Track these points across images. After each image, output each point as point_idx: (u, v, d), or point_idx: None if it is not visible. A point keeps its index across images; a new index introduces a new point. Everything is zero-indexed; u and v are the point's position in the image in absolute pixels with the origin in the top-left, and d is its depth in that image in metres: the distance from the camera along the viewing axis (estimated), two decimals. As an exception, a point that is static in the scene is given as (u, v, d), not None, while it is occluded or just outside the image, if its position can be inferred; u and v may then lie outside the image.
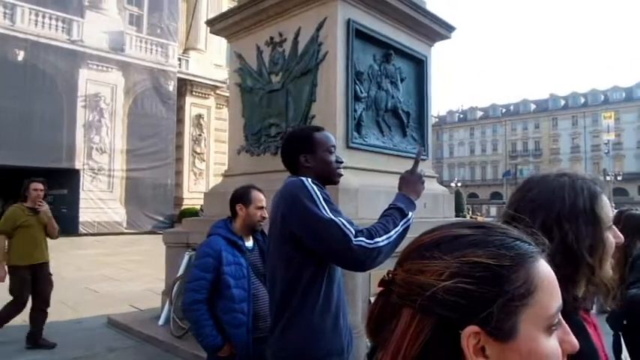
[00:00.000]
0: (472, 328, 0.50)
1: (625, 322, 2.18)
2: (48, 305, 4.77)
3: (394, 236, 1.60)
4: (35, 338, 4.63)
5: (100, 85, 19.12)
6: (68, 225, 17.54)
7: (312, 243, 1.60)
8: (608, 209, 1.00)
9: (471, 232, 0.55)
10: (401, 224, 1.64)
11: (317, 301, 1.64)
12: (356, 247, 1.52)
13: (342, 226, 1.55)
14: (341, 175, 1.90)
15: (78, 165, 18.36)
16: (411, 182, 1.79)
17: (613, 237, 1.01)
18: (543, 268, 0.55)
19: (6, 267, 4.57)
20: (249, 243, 2.65)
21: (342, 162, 1.90)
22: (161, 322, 5.14)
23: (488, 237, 0.55)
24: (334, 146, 1.88)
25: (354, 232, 1.54)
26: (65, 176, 18.25)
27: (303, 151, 1.82)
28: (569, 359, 0.57)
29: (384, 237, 1.57)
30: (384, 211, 1.72)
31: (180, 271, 4.99)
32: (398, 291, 0.54)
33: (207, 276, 2.43)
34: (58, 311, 5.99)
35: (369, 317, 0.59)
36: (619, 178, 41.15)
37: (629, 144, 55.08)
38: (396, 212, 1.67)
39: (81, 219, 17.94)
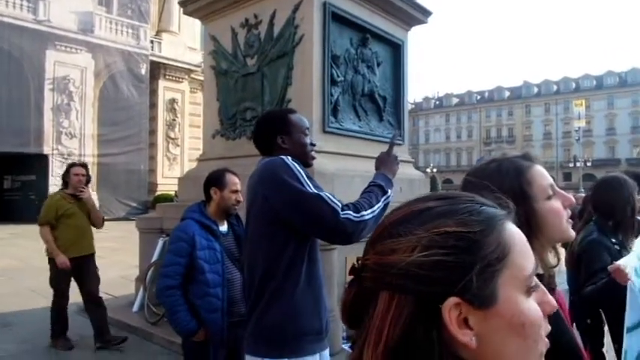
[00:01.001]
0: (452, 300, 0.48)
1: (589, 322, 2.22)
2: (98, 300, 4.35)
3: (377, 210, 1.64)
4: (101, 335, 4.23)
5: (69, 68, 18.47)
6: (37, 212, 17.10)
7: (298, 219, 1.60)
8: (539, 181, 1.02)
9: (437, 204, 0.54)
10: (382, 200, 1.69)
11: (299, 281, 1.65)
12: (344, 220, 1.55)
13: (329, 201, 1.57)
14: (314, 158, 1.92)
15: (47, 150, 17.79)
16: (388, 162, 1.85)
17: (562, 202, 1.03)
18: (513, 230, 0.54)
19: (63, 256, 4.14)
20: (224, 227, 2.62)
21: (315, 145, 1.92)
22: (135, 308, 5.07)
23: (454, 206, 0.54)
24: (308, 129, 1.91)
25: (340, 206, 1.57)
26: (33, 162, 17.69)
27: (280, 132, 1.81)
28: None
29: (369, 211, 1.61)
30: (366, 187, 1.76)
31: (155, 257, 4.92)
32: (371, 276, 0.53)
33: (181, 261, 2.40)
34: (31, 299, 5.87)
35: (343, 307, 0.57)
36: (588, 164, 42.41)
37: (599, 131, 56.63)
38: (377, 189, 1.72)
39: (51, 206, 17.47)
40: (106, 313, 4.37)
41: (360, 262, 0.56)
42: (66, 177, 4.38)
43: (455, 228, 0.51)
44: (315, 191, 1.59)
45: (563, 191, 1.05)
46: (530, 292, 0.53)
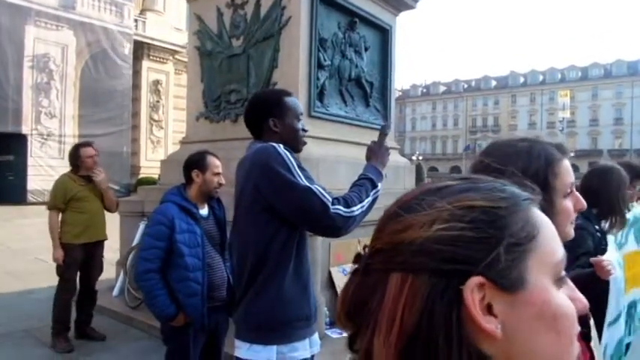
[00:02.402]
0: (476, 279, 0.42)
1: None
2: (93, 293, 4.15)
3: (366, 205, 1.65)
4: (83, 328, 4.06)
5: (50, 45, 17.93)
6: (15, 193, 16.71)
7: (288, 211, 1.60)
8: (565, 176, 0.99)
9: (457, 183, 0.49)
10: (372, 194, 1.69)
11: (289, 268, 1.65)
12: (334, 215, 1.55)
13: (320, 194, 1.56)
14: (305, 143, 1.89)
15: (25, 130, 17.32)
16: (379, 154, 1.83)
17: (574, 203, 1.00)
18: (540, 213, 0.49)
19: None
20: (204, 211, 2.57)
21: (306, 130, 1.88)
22: (115, 292, 5.01)
23: (476, 184, 0.48)
24: (302, 114, 1.87)
25: (331, 200, 1.57)
26: (12, 141, 17.19)
27: (273, 115, 1.76)
28: None
29: (359, 206, 1.61)
30: (356, 180, 1.75)
31: (135, 241, 4.85)
32: (382, 259, 0.46)
33: (160, 244, 2.35)
34: (7, 283, 5.77)
35: (342, 299, 0.50)
36: (572, 154, 42.68)
37: (582, 122, 57.49)
38: (367, 182, 1.71)
39: (29, 187, 17.03)
40: (94, 306, 4.21)
41: (366, 249, 0.50)
42: (76, 160, 4.01)
43: (479, 202, 0.45)
44: (307, 183, 1.58)
45: (579, 195, 1.02)
46: (560, 284, 0.47)
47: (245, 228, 1.71)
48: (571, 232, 1.01)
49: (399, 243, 0.45)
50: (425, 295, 0.42)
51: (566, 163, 1.01)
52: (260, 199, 1.62)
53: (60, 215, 3.95)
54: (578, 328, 0.47)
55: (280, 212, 1.61)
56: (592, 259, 1.71)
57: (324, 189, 1.60)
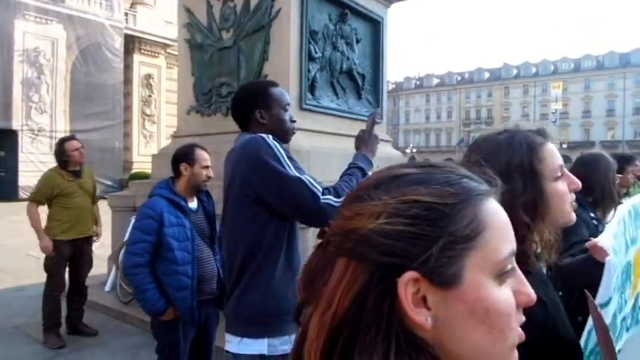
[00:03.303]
0: (410, 274, 0.44)
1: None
2: (83, 289, 4.13)
3: None
4: (74, 323, 4.03)
5: (40, 39, 17.72)
6: (7, 189, 16.58)
7: (278, 202, 1.59)
8: (551, 160, 0.98)
9: (415, 171, 0.49)
10: None
11: (279, 260, 1.63)
12: (324, 205, 1.53)
13: (310, 184, 1.54)
14: (294, 133, 1.86)
15: (15, 125, 17.15)
16: (369, 142, 1.79)
17: (568, 184, 1.00)
18: (494, 207, 0.49)
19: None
20: (193, 204, 2.55)
21: (295, 121, 1.84)
22: (107, 288, 4.99)
23: (432, 175, 0.49)
24: (289, 104, 1.84)
25: (321, 190, 1.55)
26: (2, 137, 17.04)
27: (259, 106, 1.74)
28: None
29: None
30: (346, 169, 1.73)
31: (127, 236, 4.82)
32: (335, 240, 0.49)
33: (149, 238, 2.33)
34: (-2, 279, 5.72)
35: (303, 271, 0.53)
36: (564, 146, 43.29)
37: (575, 114, 57.71)
38: (357, 171, 1.69)
39: (21, 183, 16.87)
40: (85, 302, 4.19)
41: (329, 226, 0.52)
42: (62, 155, 3.92)
43: (425, 197, 0.46)
44: (296, 174, 1.56)
45: (571, 174, 1.01)
46: (503, 279, 0.47)
47: (234, 220, 1.69)
48: (572, 215, 1.00)
49: (348, 230, 0.47)
50: (362, 282, 0.45)
51: (550, 146, 1.00)
52: (249, 191, 1.60)
53: (46, 210, 3.91)
54: (521, 319, 0.50)
55: (270, 204, 1.59)
56: (587, 244, 1.70)
57: (314, 179, 1.58)
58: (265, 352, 1.62)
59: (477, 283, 0.46)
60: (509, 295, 0.48)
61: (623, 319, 1.59)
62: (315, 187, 1.54)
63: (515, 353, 0.49)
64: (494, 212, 0.49)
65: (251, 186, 1.59)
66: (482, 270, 0.46)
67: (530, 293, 0.50)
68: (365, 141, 1.79)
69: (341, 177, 1.70)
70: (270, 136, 1.63)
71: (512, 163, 0.95)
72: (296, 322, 0.51)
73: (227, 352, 1.69)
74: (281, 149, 1.60)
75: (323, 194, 1.54)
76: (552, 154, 0.99)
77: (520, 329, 0.49)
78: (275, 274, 1.62)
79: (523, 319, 0.50)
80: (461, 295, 0.45)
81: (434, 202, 0.46)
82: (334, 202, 1.54)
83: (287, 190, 1.54)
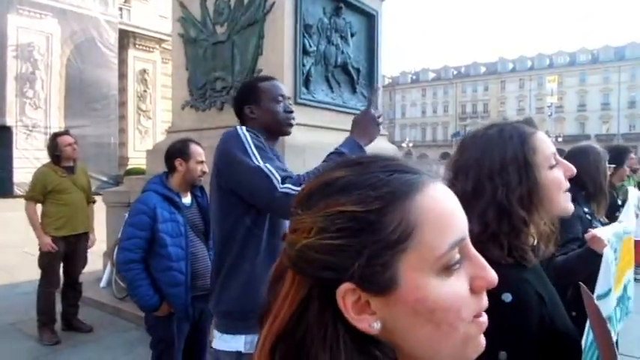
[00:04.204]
0: (345, 286, 0.44)
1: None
2: (77, 285, 4.12)
3: None
4: (69, 319, 4.03)
5: (34, 34, 17.59)
6: (1, 186, 16.51)
7: (244, 193, 1.53)
8: (544, 148, 0.97)
9: (344, 174, 0.48)
10: None
11: (257, 253, 1.57)
12: (281, 194, 1.43)
13: (269, 173, 1.46)
14: (291, 124, 1.76)
15: (9, 121, 17.06)
16: (362, 124, 1.58)
17: (564, 171, 0.99)
18: (429, 201, 0.46)
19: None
20: (187, 199, 2.54)
21: (291, 111, 1.75)
22: (103, 284, 4.99)
23: (360, 177, 0.47)
24: (282, 95, 1.74)
25: (280, 179, 1.45)
26: (-4, 134, 17.00)
27: (248, 102, 1.72)
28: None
29: None
30: (329, 154, 1.59)
31: (121, 232, 4.81)
32: (286, 250, 0.49)
33: (142, 234, 2.33)
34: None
35: (271, 274, 0.53)
36: (559, 139, 43.33)
37: (570, 107, 57.84)
38: (336, 157, 1.51)
39: (15, 179, 16.80)
40: (80, 298, 4.17)
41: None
42: (54, 150, 3.89)
43: (348, 207, 0.45)
44: (258, 163, 1.48)
45: (565, 160, 1.00)
46: (449, 271, 0.45)
47: (214, 214, 1.67)
48: (569, 204, 1.00)
49: (290, 243, 0.48)
50: (303, 295, 0.46)
51: (541, 135, 0.99)
52: (222, 183, 1.58)
53: (40, 207, 3.87)
54: (482, 305, 0.48)
55: (240, 196, 1.54)
56: (586, 235, 1.70)
57: (277, 167, 1.49)
58: (242, 349, 1.57)
59: (414, 284, 0.45)
60: (457, 287, 0.46)
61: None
62: (274, 176, 1.46)
63: (478, 341, 0.48)
64: (428, 207, 0.46)
65: (223, 178, 1.58)
66: (420, 270, 0.45)
67: (488, 276, 0.48)
68: (358, 123, 1.59)
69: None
70: (244, 128, 1.59)
71: (506, 157, 0.95)
72: (259, 327, 0.51)
73: (211, 347, 1.67)
74: (250, 139, 1.54)
75: (282, 183, 1.44)
76: (544, 143, 0.98)
77: (485, 317, 0.48)
78: (255, 268, 1.56)
79: (484, 303, 0.48)
80: (400, 297, 0.45)
81: (357, 212, 0.45)
82: (292, 190, 1.42)
83: (248, 180, 1.49)
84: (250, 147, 1.52)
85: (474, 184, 0.96)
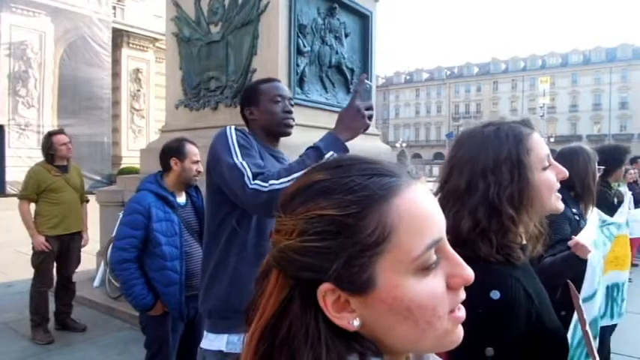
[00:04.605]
0: (325, 286, 0.47)
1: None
2: (71, 284, 4.12)
3: (297, 178, 1.41)
4: (63, 319, 4.03)
5: (27, 32, 17.45)
6: (-6, 185, 16.39)
7: (224, 189, 1.52)
8: (538, 150, 0.99)
9: (323, 177, 0.49)
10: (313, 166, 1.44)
11: (243, 250, 1.55)
12: (251, 191, 1.39)
13: (242, 169, 1.43)
14: (289, 125, 1.73)
15: (2, 120, 16.93)
16: (345, 117, 1.48)
17: (556, 173, 1.01)
18: (405, 203, 0.47)
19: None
20: (182, 199, 2.55)
21: (290, 112, 1.73)
22: (96, 283, 4.97)
23: (340, 179, 0.48)
24: (281, 95, 1.72)
25: (251, 175, 1.41)
26: (-12, 132, 16.86)
27: (248, 104, 1.73)
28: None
29: (281, 180, 1.37)
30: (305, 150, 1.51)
31: (115, 231, 4.80)
32: (271, 250, 0.51)
33: (136, 234, 2.33)
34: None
35: (258, 274, 0.55)
36: (552, 140, 43.63)
37: (562, 108, 58.21)
38: (312, 152, 1.44)
39: (8, 178, 16.68)
40: (73, 297, 4.16)
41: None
42: (49, 149, 3.88)
43: (327, 211, 0.47)
44: (235, 160, 1.46)
45: (557, 163, 1.02)
46: (426, 271, 0.47)
47: (206, 211, 1.68)
48: (559, 204, 1.01)
49: (274, 243, 0.50)
50: (285, 294, 0.49)
51: (537, 136, 1.01)
52: (210, 181, 1.59)
53: (33, 206, 3.86)
54: (459, 298, 0.50)
55: (224, 192, 1.53)
56: (569, 242, 1.71)
57: (255, 165, 1.45)
58: (223, 348, 1.54)
59: (392, 284, 0.46)
60: (434, 286, 0.48)
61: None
62: (246, 173, 1.42)
63: (455, 336, 0.50)
64: (405, 210, 0.47)
65: (211, 176, 1.58)
66: (397, 270, 0.46)
67: (463, 274, 0.49)
68: (341, 117, 1.49)
69: None
70: (233, 127, 1.58)
71: (500, 156, 0.97)
72: (245, 322, 0.53)
73: (200, 347, 1.65)
74: (235, 137, 1.52)
75: (253, 179, 1.40)
76: (539, 144, 1.00)
77: (462, 311, 0.50)
78: (240, 266, 1.53)
79: (461, 297, 0.50)
80: (378, 297, 0.47)
81: (336, 215, 0.46)
82: (261, 186, 1.38)
83: (227, 177, 1.47)
84: (233, 145, 1.50)
85: (467, 180, 0.98)
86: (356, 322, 0.47)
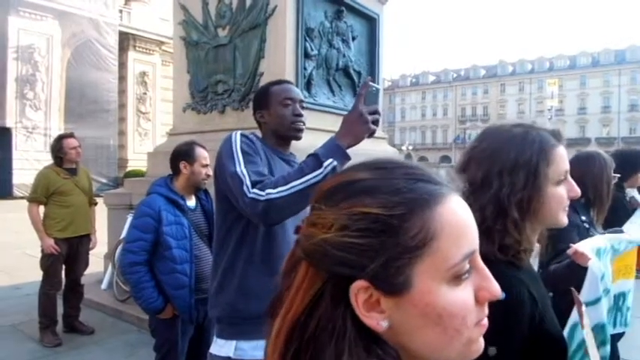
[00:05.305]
0: (359, 284, 0.47)
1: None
2: (79, 287, 4.12)
3: (297, 187, 1.34)
4: (71, 321, 4.03)
5: (34, 36, 17.64)
6: (1, 187, 16.51)
7: (229, 196, 1.49)
8: (559, 163, 0.98)
9: (368, 176, 0.50)
10: (311, 175, 1.35)
11: (253, 257, 1.53)
12: (249, 200, 1.37)
13: (242, 177, 1.41)
14: (299, 129, 1.68)
15: (9, 123, 17.09)
16: (347, 122, 1.43)
17: (568, 190, 1.00)
18: (448, 212, 0.48)
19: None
20: (192, 202, 2.55)
21: (300, 115, 1.67)
22: (104, 286, 4.97)
23: (384, 180, 0.49)
24: (290, 98, 1.66)
25: (250, 184, 1.39)
26: (-5, 135, 17.01)
27: (259, 107, 1.71)
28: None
29: (279, 189, 1.34)
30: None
31: (123, 234, 4.80)
32: (301, 244, 0.51)
33: (147, 237, 2.33)
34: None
35: (282, 271, 0.55)
36: (559, 142, 43.25)
37: (571, 110, 57.89)
38: (311, 160, 1.38)
39: (15, 181, 16.84)
40: (81, 300, 4.17)
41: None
42: (58, 152, 3.90)
43: (372, 209, 0.47)
44: (237, 168, 1.43)
45: (573, 181, 1.01)
46: (460, 280, 0.48)
47: (215, 217, 1.68)
48: (563, 219, 1.01)
49: (308, 236, 0.50)
50: (317, 288, 0.48)
51: (561, 150, 1.00)
52: (217, 187, 1.58)
53: (42, 208, 3.88)
54: (483, 313, 0.51)
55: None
56: (568, 251, 1.69)
57: (254, 172, 1.43)
58: (231, 355, 1.52)
59: (426, 289, 0.47)
60: (465, 296, 0.49)
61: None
62: (245, 181, 1.40)
63: (478, 345, 0.51)
64: (448, 217, 0.48)
65: (217, 182, 1.57)
66: (433, 276, 0.47)
67: (491, 288, 0.51)
68: (344, 122, 1.44)
69: None
70: (240, 132, 1.56)
71: (520, 158, 0.96)
72: (269, 315, 0.53)
73: (210, 352, 1.64)
74: (239, 143, 1.50)
75: (252, 187, 1.38)
76: (562, 158, 0.99)
77: (485, 320, 0.51)
78: (248, 273, 1.52)
79: (485, 313, 0.51)
80: (411, 300, 0.47)
81: (381, 214, 0.46)
82: (258, 195, 1.35)
83: (230, 184, 1.46)
84: (236, 151, 1.48)
85: (483, 176, 0.98)
86: (384, 323, 0.48)
